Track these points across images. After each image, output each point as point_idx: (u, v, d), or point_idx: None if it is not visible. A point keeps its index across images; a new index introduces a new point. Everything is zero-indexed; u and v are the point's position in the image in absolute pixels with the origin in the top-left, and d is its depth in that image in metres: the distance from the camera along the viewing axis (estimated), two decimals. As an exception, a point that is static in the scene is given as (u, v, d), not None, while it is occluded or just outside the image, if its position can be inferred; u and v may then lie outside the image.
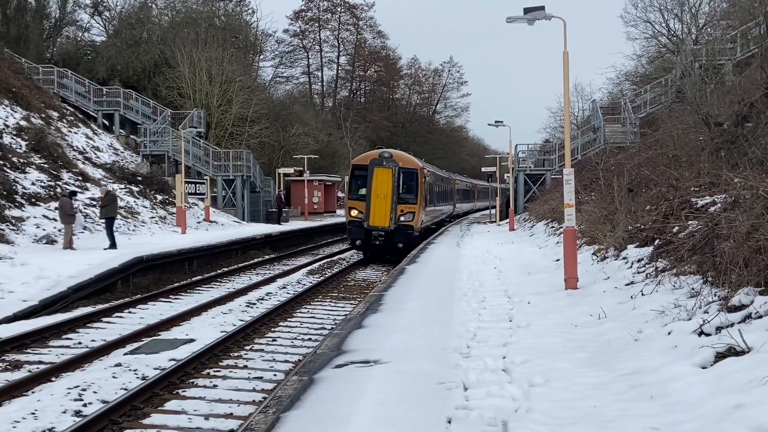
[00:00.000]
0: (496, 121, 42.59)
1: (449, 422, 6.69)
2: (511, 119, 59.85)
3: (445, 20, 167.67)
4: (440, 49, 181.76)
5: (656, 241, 13.05)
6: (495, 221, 46.42)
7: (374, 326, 11.47)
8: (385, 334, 10.73)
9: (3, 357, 11.99)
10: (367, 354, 9.46)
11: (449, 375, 8.19)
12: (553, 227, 26.38)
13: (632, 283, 12.13)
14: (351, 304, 18.10)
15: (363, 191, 27.36)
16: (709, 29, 43.23)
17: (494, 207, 49.42)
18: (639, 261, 13.10)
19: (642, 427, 6.12)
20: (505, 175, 49.39)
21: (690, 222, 12.09)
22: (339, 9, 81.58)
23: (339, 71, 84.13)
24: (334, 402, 7.39)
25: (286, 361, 12.15)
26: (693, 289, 9.71)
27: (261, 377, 11.08)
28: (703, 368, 7.15)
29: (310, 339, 14.05)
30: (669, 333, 8.53)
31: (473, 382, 7.91)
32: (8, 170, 25.04)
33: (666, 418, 6.25)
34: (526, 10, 15.45)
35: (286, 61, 78.02)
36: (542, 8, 15.27)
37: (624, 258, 14.09)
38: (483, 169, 53.94)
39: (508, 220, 38.76)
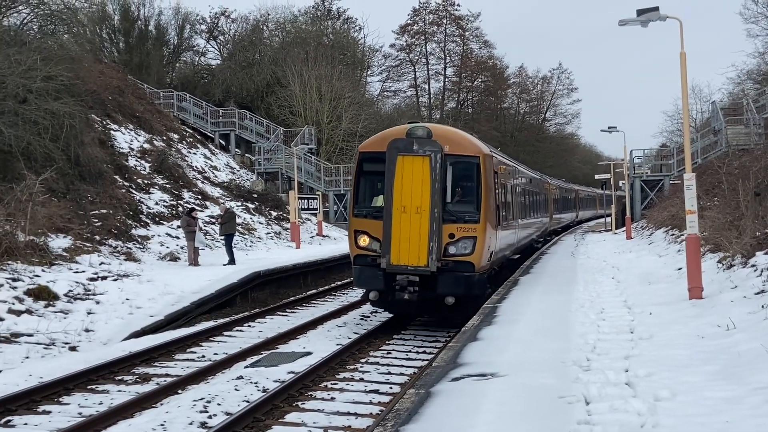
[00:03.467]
0: (609, 127, 41.60)
1: (571, 437, 6.52)
2: (625, 124, 58.21)
3: (553, 25, 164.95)
4: (548, 55, 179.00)
5: (788, 247, 12.34)
6: (611, 230, 45.19)
7: (489, 338, 11.32)
8: (501, 347, 10.57)
9: (133, 370, 12.58)
10: (483, 367, 9.34)
11: (569, 389, 7.98)
12: (673, 235, 25.40)
13: (763, 291, 11.51)
14: (464, 316, 17.95)
15: (379, 201, 15.58)
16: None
17: (609, 215, 48.09)
18: (769, 268, 12.41)
19: (781, 445, 5.77)
20: (620, 182, 48.02)
21: (825, 226, 11.38)
22: (445, 21, 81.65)
23: (446, 83, 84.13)
24: (453, 416, 7.33)
25: (402, 374, 12.19)
26: (832, 297, 9.13)
27: (377, 390, 11.16)
28: None
29: (424, 352, 14.04)
30: (807, 345, 8.04)
31: (595, 396, 7.68)
32: (134, 191, 26.41)
33: (808, 436, 5.89)
34: (640, 12, 14.94)
35: (393, 75, 78.86)
36: (656, 9, 14.73)
37: (752, 265, 13.38)
38: (597, 176, 52.68)
39: (624, 229, 37.61)
